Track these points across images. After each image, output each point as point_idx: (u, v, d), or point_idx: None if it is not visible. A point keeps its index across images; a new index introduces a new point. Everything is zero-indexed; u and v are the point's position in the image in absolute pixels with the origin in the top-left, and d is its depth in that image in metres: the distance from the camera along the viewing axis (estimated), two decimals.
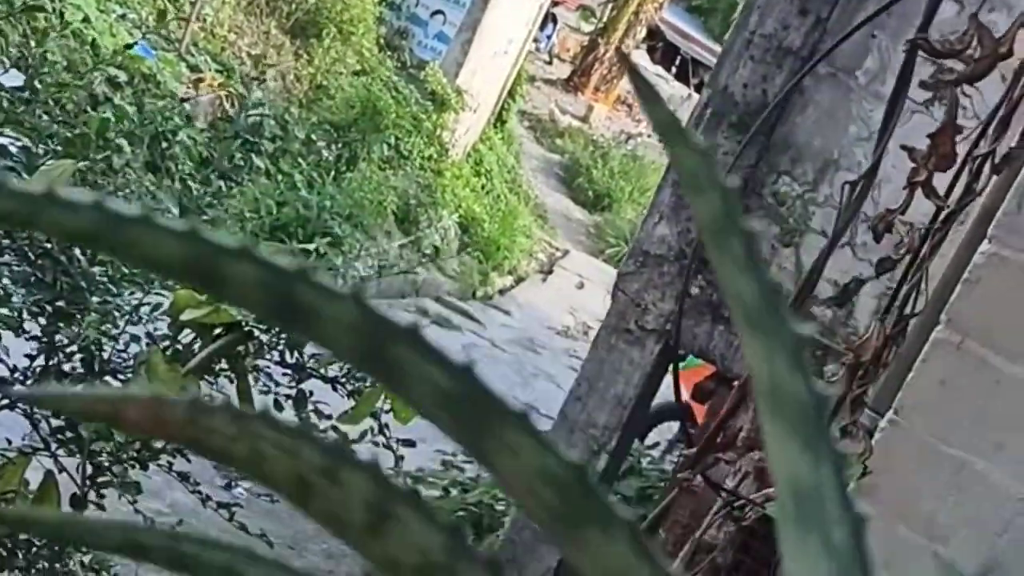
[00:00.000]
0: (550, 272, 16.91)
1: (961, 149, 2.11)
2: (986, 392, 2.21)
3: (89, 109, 7.49)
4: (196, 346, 2.42)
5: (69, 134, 2.63)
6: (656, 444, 9.30)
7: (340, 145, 12.44)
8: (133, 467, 2.62)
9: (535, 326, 14.09)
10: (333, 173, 11.94)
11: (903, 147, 1.99)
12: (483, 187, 15.92)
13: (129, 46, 8.29)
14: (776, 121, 5.33)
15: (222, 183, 10.37)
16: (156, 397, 0.53)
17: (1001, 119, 1.97)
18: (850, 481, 2.16)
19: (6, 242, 2.42)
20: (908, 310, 2.15)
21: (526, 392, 11.29)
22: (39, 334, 2.48)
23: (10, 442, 2.73)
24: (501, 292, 15.08)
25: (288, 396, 2.58)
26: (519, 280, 15.83)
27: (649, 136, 22.73)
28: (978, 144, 2.03)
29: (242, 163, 10.82)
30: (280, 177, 11.24)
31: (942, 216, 2.06)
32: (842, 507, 0.54)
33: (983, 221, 2.10)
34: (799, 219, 5.33)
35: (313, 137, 12.08)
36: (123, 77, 9.23)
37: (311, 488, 0.52)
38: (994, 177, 2.05)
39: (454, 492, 8.17)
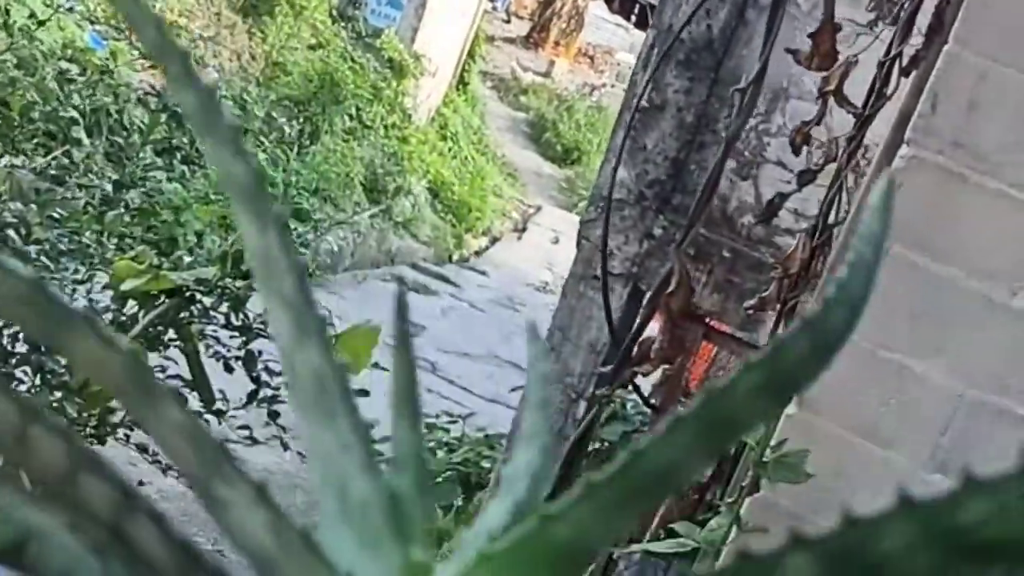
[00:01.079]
0: (524, 230, 16.92)
1: (872, 55, 2.13)
2: (919, 295, 2.23)
3: (42, 103, 7.46)
4: (140, 315, 2.44)
5: None
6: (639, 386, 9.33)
7: (301, 120, 12.40)
8: (91, 443, 2.63)
9: (513, 284, 14.12)
10: (296, 148, 11.91)
11: (787, 50, 2.00)
12: (450, 150, 15.90)
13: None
14: (723, 56, 5.34)
15: (185, 167, 10.33)
16: None
17: (906, 21, 1.98)
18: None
19: None
20: (832, 219, 2.17)
21: (508, 350, 11.32)
22: None
23: None
24: (477, 253, 15.09)
25: (237, 357, 2.60)
26: (494, 240, 15.84)
27: (613, 86, 22.70)
28: (889, 49, 2.05)
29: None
30: None
31: (857, 123, 2.08)
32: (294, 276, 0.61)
33: (900, 125, 2.11)
34: (754, 151, 5.35)
35: (273, 114, 12.04)
36: (75, 70, 9.19)
37: None
38: (904, 81, 2.07)
39: (440, 453, 8.21)
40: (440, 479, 7.24)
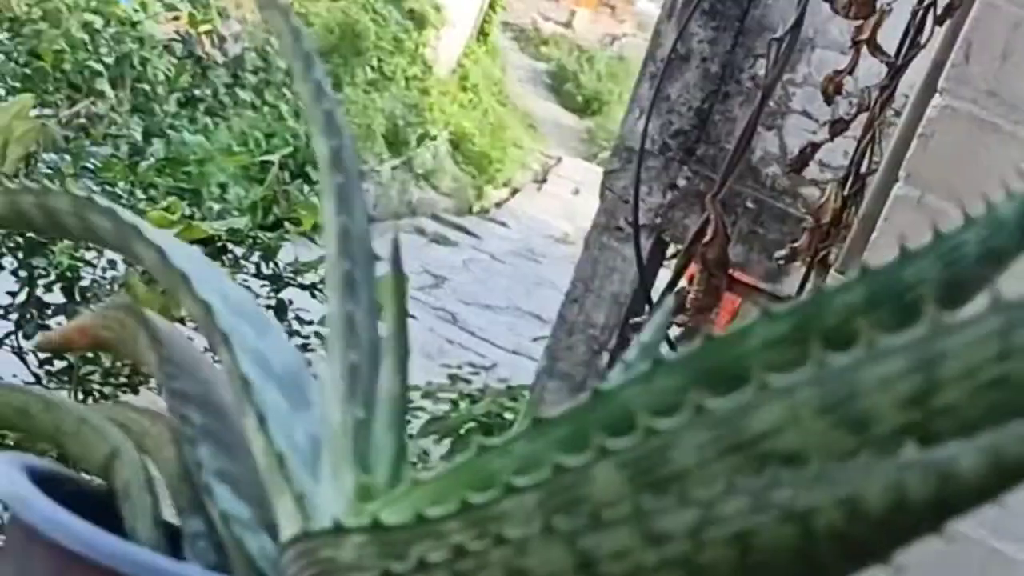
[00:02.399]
0: (544, 181, 16.90)
1: (907, 3, 2.12)
2: None
3: (70, 51, 7.46)
4: None
5: (27, 71, 2.65)
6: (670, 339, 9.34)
7: None
8: (125, 391, 2.66)
9: (534, 236, 14.12)
10: None
11: None
12: (471, 102, 15.86)
13: None
14: (749, 5, 5.31)
15: (208, 119, 10.35)
16: None
17: None
18: None
19: None
20: (864, 168, 2.17)
21: (530, 301, 11.34)
22: (17, 268, 2.51)
23: (1, 379, 2.77)
24: (497, 205, 15.09)
25: (268, 306, 2.63)
26: (514, 192, 15.83)
27: (634, 36, 22.58)
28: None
29: (227, 97, 10.79)
30: (266, 109, 11.21)
31: (890, 72, 2.08)
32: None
33: (933, 74, 2.11)
34: (780, 101, 5.32)
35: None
36: (99, 22, 9.19)
37: None
38: (938, 29, 2.07)
39: (463, 405, 8.25)
40: (464, 430, 7.28)
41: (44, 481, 0.60)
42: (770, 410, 0.44)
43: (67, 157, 2.39)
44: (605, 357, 5.74)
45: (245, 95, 11.05)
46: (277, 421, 0.59)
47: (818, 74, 4.99)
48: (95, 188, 2.55)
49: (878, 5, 1.97)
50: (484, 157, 14.86)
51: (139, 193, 2.83)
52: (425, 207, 13.25)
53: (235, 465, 0.61)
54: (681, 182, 5.45)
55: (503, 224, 14.29)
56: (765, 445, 0.44)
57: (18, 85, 2.47)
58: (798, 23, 1.82)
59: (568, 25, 22.99)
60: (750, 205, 5.27)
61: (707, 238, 1.61)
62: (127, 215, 0.64)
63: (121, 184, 2.59)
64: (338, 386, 0.60)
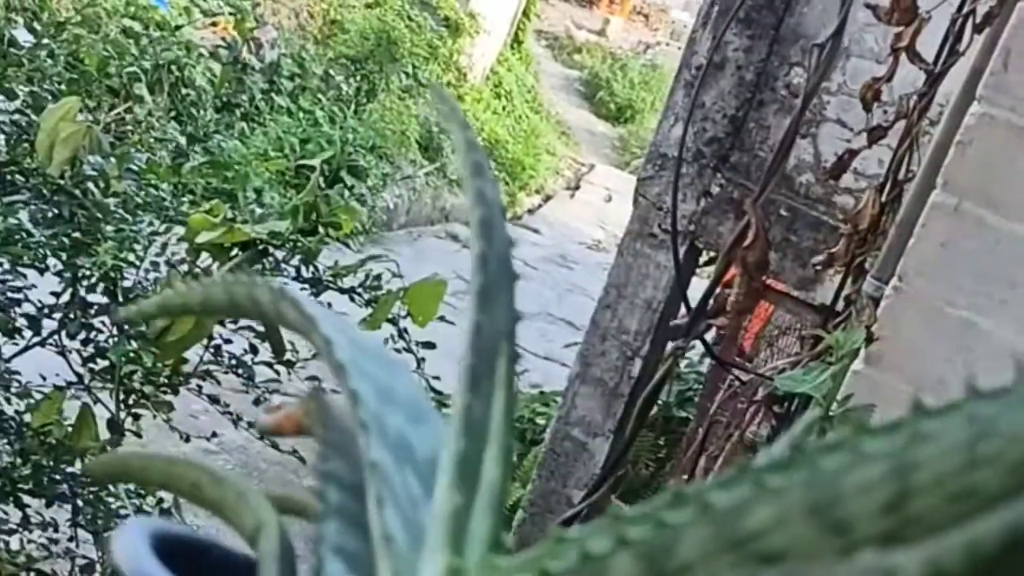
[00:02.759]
0: (577, 188, 16.91)
1: (945, 11, 2.13)
2: (986, 251, 2.24)
3: (112, 53, 7.53)
4: (214, 268, 2.49)
5: (72, 74, 2.69)
6: (693, 347, 9.35)
7: (358, 78, 12.45)
8: (165, 392, 2.69)
9: (566, 242, 14.13)
10: (353, 106, 11.96)
11: (867, 5, 2.02)
12: (504, 108, 15.89)
13: None
14: (784, 14, 5.32)
15: (244, 124, 10.42)
16: None
17: None
18: (859, 348, 2.20)
19: (20, 180, 2.49)
20: (902, 175, 2.18)
21: (561, 308, 11.35)
22: (61, 269, 2.55)
23: (44, 378, 2.81)
24: (530, 211, 15.11)
25: None
26: (547, 198, 15.85)
27: (667, 44, 22.57)
28: (963, 5, 2.05)
29: (263, 103, 10.86)
30: (301, 114, 11.27)
31: (928, 80, 2.09)
32: None
33: (972, 82, 2.12)
34: (814, 109, 5.32)
35: (331, 72, 12.09)
36: (138, 27, 9.26)
37: None
38: (977, 37, 2.07)
39: None
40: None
41: (180, 548, 0.65)
42: (763, 509, 0.46)
43: (112, 159, 2.42)
44: (638, 363, 5.76)
45: (281, 101, 11.12)
46: (402, 505, 0.62)
47: (853, 83, 4.99)
48: (138, 190, 2.59)
49: (919, 15, 1.98)
50: (517, 164, 14.89)
51: (183, 196, 2.86)
52: (459, 213, 13.29)
53: (359, 544, 0.65)
54: (715, 189, 5.45)
55: (536, 230, 14.31)
56: (757, 544, 0.46)
57: (63, 88, 2.51)
58: (840, 29, 1.83)
59: (602, 33, 23.00)
60: (784, 213, 5.26)
61: (748, 242, 1.62)
62: (309, 306, 0.69)
63: (164, 186, 2.63)
64: (446, 472, 0.64)
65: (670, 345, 1.83)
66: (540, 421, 7.55)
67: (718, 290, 1.83)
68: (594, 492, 1.81)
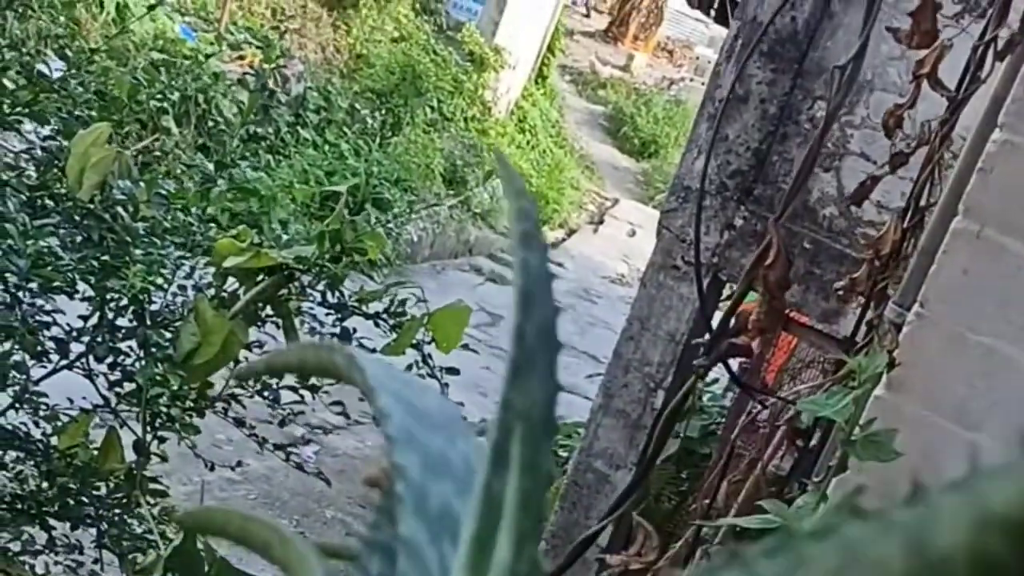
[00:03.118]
0: (601, 222, 16.94)
1: (967, 39, 2.15)
2: (1008, 278, 2.24)
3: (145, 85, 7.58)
4: (241, 292, 2.51)
5: (102, 100, 2.73)
6: (716, 380, 9.35)
7: (383, 112, 12.53)
8: (191, 416, 2.72)
9: (589, 276, 14.15)
10: (378, 139, 12.03)
11: (888, 28, 2.03)
12: (528, 143, 15.96)
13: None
14: (808, 48, 5.34)
15: (270, 157, 10.49)
16: None
17: (1002, 3, 2.00)
18: (881, 373, 2.21)
19: (50, 204, 2.52)
20: (924, 202, 2.19)
21: (584, 341, 11.36)
22: (91, 295, 2.58)
23: (71, 401, 2.84)
24: (553, 245, 15.14)
25: (333, 334, 2.67)
26: (570, 232, 15.88)
27: (691, 80, 22.62)
28: (984, 32, 2.06)
29: (289, 136, 10.94)
30: (327, 147, 11.34)
31: (950, 106, 2.10)
32: None
33: (993, 109, 2.13)
34: (837, 142, 5.33)
35: (356, 105, 12.17)
36: (165, 63, 9.35)
37: None
38: (998, 65, 2.09)
39: None
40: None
41: None
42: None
43: (141, 184, 2.45)
44: (660, 395, 5.76)
45: (307, 133, 11.20)
46: (424, 568, 0.66)
47: (876, 116, 5.00)
48: (166, 215, 2.62)
49: (940, 39, 2.00)
50: (541, 198, 14.95)
51: (209, 222, 2.89)
52: (482, 246, 13.33)
53: None
54: (738, 222, 5.46)
55: (559, 264, 14.34)
56: None
57: (93, 115, 2.55)
58: (861, 52, 1.84)
59: (626, 69, 23.09)
60: (807, 246, 5.27)
61: (769, 260, 1.64)
62: (373, 377, 0.72)
63: (193, 210, 2.66)
64: (461, 551, 0.66)
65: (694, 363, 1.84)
66: (562, 453, 7.53)
67: (743, 309, 1.84)
68: (615, 510, 1.83)
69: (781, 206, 1.72)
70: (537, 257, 0.68)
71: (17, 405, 2.69)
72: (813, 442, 2.94)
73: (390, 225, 9.98)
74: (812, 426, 2.93)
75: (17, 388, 2.67)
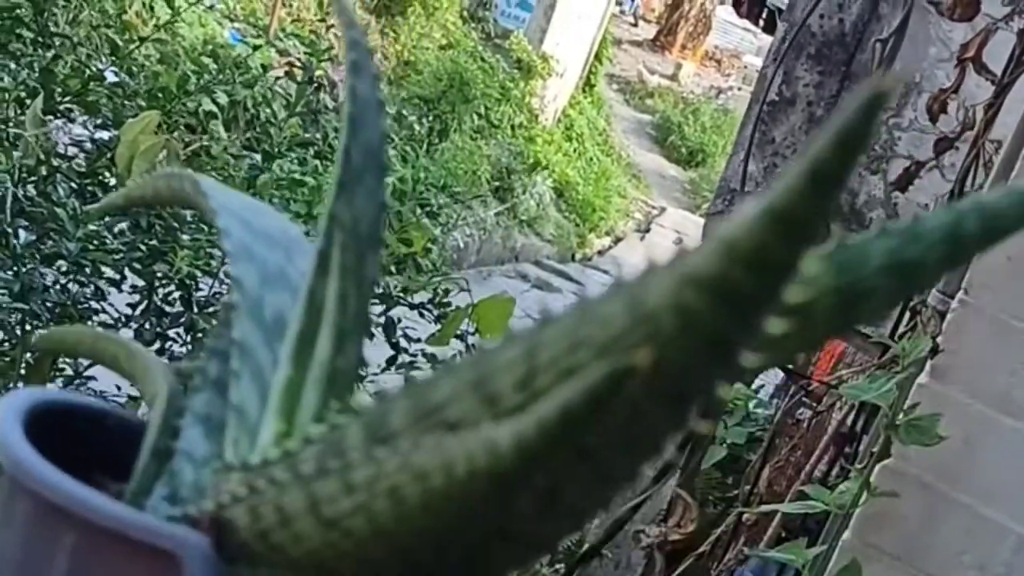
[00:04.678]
0: (647, 230, 16.92)
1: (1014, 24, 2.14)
2: None
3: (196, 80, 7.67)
4: None
5: (151, 92, 2.77)
6: (762, 387, 9.28)
7: (431, 118, 12.57)
8: None
9: None
10: (426, 146, 12.08)
11: (929, 1, 2.03)
12: (575, 151, 15.97)
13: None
14: (855, 50, 5.32)
15: (318, 162, 10.54)
16: None
17: None
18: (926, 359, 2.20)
19: (100, 192, 2.55)
20: (969, 187, 2.18)
21: None
22: (137, 284, 2.61)
23: (119, 388, 2.87)
24: (600, 253, 15.13)
25: (378, 324, 2.69)
26: (617, 240, 15.87)
27: (739, 89, 22.55)
28: None
29: (336, 142, 11.01)
30: None
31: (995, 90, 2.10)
32: None
33: None
34: (885, 145, 5.30)
35: (404, 112, 12.22)
36: (214, 66, 9.43)
37: None
38: None
39: None
40: None
41: (69, 416, 0.70)
42: (444, 384, 0.54)
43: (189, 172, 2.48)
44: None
45: None
46: (265, 379, 0.66)
47: (923, 119, 4.96)
48: None
49: (984, 23, 1.99)
50: (587, 205, 14.94)
51: None
52: (528, 253, 13.34)
53: (214, 404, 0.68)
54: None
55: (605, 271, 14.32)
56: (440, 415, 0.53)
57: (143, 103, 2.59)
58: (903, 25, 1.84)
59: (674, 78, 23.06)
60: None
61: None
62: (215, 199, 0.74)
63: None
64: (286, 348, 0.68)
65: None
66: None
67: None
68: (658, 481, 1.83)
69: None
70: (366, 84, 0.70)
71: (68, 390, 2.72)
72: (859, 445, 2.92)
73: (437, 233, 10.02)
74: (854, 427, 2.92)
75: (68, 373, 2.71)
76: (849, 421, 2.95)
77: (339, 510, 0.52)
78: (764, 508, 2.11)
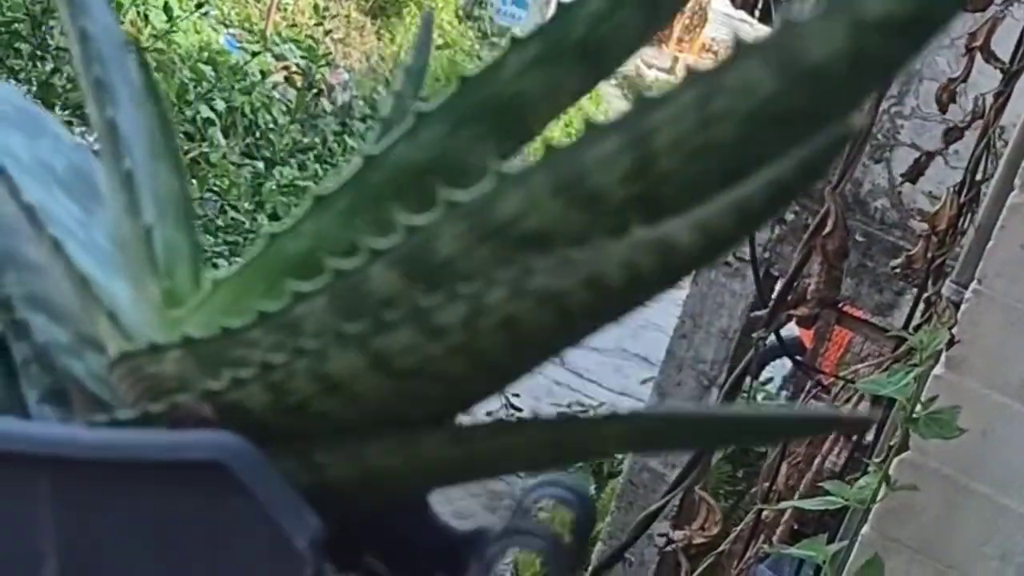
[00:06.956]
0: None
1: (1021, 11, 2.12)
2: None
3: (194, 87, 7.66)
4: None
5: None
6: (770, 379, 9.27)
7: None
8: None
9: None
10: None
11: None
12: None
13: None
14: None
15: (318, 167, 10.52)
16: None
17: None
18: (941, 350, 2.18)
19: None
20: (979, 176, 2.16)
21: (636, 344, 11.31)
22: None
23: None
24: None
25: None
26: None
27: None
28: None
29: (336, 145, 10.97)
30: None
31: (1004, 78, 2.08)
32: None
33: None
34: (887, 133, 5.29)
35: None
36: (210, 72, 9.41)
37: None
38: None
39: None
40: (573, 470, 7.28)
41: None
42: (511, 196, 0.47)
43: (193, 181, 2.47)
44: (715, 392, 5.73)
45: (354, 143, 11.22)
46: (73, 234, 0.58)
47: (926, 107, 4.95)
48: (219, 213, 2.64)
49: (992, 12, 1.97)
50: None
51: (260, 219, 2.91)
52: None
53: (46, 289, 0.59)
54: (789, 216, 5.42)
55: None
56: (513, 230, 0.47)
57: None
58: None
59: (671, 71, 23.01)
60: (859, 239, 5.23)
61: (827, 230, 1.63)
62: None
63: (245, 206, 2.68)
64: (119, 196, 0.59)
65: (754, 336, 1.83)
66: (617, 456, 7.49)
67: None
68: (680, 483, 1.81)
69: (837, 175, 1.71)
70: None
71: None
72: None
73: None
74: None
75: None
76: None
77: (424, 356, 0.47)
78: (783, 504, 2.09)
